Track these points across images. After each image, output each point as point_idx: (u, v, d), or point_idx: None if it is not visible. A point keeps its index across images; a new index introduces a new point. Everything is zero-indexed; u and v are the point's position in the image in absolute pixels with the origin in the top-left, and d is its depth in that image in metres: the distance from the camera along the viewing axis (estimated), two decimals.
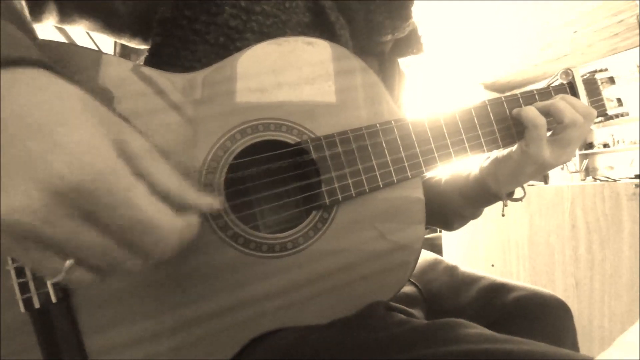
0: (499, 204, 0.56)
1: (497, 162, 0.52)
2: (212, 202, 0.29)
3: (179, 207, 0.27)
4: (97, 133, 0.23)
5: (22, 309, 0.32)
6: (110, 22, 0.45)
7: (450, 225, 0.63)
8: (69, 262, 0.23)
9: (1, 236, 0.22)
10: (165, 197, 0.26)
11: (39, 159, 0.21)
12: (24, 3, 0.38)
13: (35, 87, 0.23)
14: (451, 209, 0.60)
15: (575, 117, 0.47)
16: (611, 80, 0.57)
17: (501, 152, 0.52)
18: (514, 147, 0.50)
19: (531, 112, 0.47)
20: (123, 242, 0.24)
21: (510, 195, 0.55)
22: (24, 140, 0.21)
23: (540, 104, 0.50)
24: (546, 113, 0.48)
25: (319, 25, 0.48)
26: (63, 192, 0.21)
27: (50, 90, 0.23)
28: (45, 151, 0.21)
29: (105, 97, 0.35)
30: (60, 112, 0.23)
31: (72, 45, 0.36)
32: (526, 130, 0.48)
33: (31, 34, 0.32)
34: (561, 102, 0.48)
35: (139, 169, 0.25)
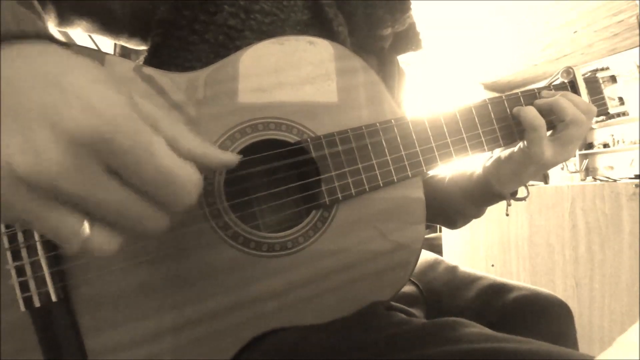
0: (502, 203, 0.56)
1: (499, 162, 0.53)
2: (231, 157, 0.29)
3: (200, 163, 0.27)
4: (113, 88, 0.23)
5: (23, 308, 0.32)
6: (107, 23, 0.45)
7: (453, 224, 0.64)
8: (88, 225, 0.22)
9: (14, 193, 0.20)
10: (185, 154, 0.26)
11: (55, 109, 0.20)
12: None
13: (51, 53, 0.23)
14: (454, 208, 0.60)
15: (577, 115, 0.47)
16: (613, 79, 0.57)
17: (503, 152, 0.52)
18: (515, 148, 0.50)
19: (530, 113, 0.47)
20: (144, 195, 0.23)
21: (513, 195, 0.55)
22: (39, 93, 0.20)
23: (542, 101, 0.50)
24: (548, 110, 0.48)
25: (317, 23, 0.48)
26: (81, 141, 0.20)
27: (65, 54, 0.23)
28: (61, 102, 0.20)
29: None
30: (73, 68, 0.22)
31: (72, 44, 0.36)
32: (525, 131, 0.48)
33: (42, 19, 0.32)
34: (563, 100, 0.48)
35: (159, 131, 0.25)
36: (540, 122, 0.47)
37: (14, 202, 0.20)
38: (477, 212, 0.60)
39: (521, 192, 0.55)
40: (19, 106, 0.20)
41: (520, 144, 0.50)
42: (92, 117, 0.21)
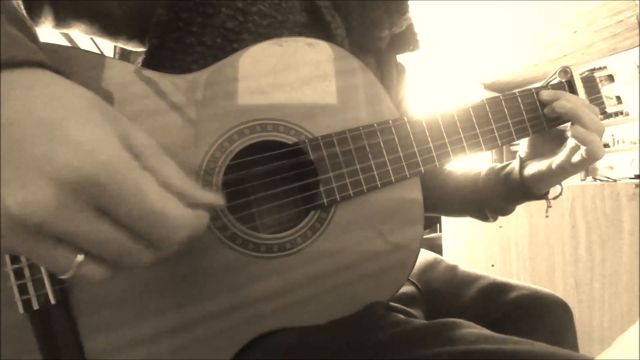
0: None
1: (544, 174, 0.53)
2: (216, 198, 0.30)
3: (186, 201, 0.27)
4: (104, 127, 0.24)
5: (21, 310, 0.32)
6: (106, 26, 0.45)
7: (488, 219, 0.65)
8: (80, 257, 0.24)
9: (13, 232, 0.22)
10: (172, 192, 0.26)
11: (49, 153, 0.22)
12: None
13: (41, 86, 0.24)
14: (491, 207, 0.62)
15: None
16: (610, 78, 0.57)
17: (548, 163, 0.53)
18: (564, 160, 0.51)
19: (582, 132, 0.48)
20: (134, 234, 0.24)
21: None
22: (34, 136, 0.22)
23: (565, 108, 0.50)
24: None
25: (315, 25, 0.48)
26: (74, 184, 0.22)
27: (55, 89, 0.24)
28: (56, 145, 0.22)
29: (106, 99, 0.35)
30: (67, 108, 0.23)
31: (74, 48, 0.36)
32: (586, 151, 0.48)
33: (33, 36, 0.32)
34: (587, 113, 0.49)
35: (146, 165, 0.25)
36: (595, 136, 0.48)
37: (11, 239, 0.22)
38: (511, 210, 0.61)
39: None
40: (16, 153, 0.22)
41: (567, 155, 0.51)
42: (87, 163, 0.22)
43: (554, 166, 0.52)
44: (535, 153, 0.56)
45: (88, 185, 0.22)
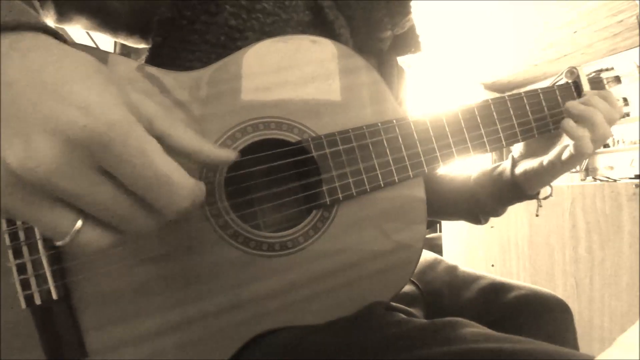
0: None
1: (535, 172, 0.54)
2: (228, 154, 0.30)
3: (195, 159, 0.28)
4: (111, 90, 0.23)
5: (24, 306, 0.32)
6: (107, 21, 0.45)
7: (480, 221, 0.65)
8: (80, 222, 0.23)
9: (13, 190, 0.21)
10: (184, 154, 0.26)
11: (52, 110, 0.21)
12: None
13: (43, 48, 0.23)
14: (483, 209, 0.62)
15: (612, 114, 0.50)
16: (617, 79, 0.57)
17: (539, 161, 0.54)
18: (554, 157, 0.52)
19: (573, 127, 0.49)
20: (137, 197, 0.24)
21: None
22: (38, 95, 0.21)
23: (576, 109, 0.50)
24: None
25: (319, 24, 0.48)
26: (77, 142, 0.21)
27: (59, 52, 0.23)
28: (61, 105, 0.21)
29: None
30: (71, 70, 0.22)
31: (76, 44, 0.36)
32: (573, 145, 0.49)
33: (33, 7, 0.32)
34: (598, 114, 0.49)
35: (154, 129, 0.25)
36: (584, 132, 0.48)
37: (10, 198, 0.22)
38: (504, 210, 0.62)
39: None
40: (18, 112, 0.21)
41: (558, 153, 0.51)
42: (91, 119, 0.21)
43: (545, 163, 0.52)
44: (528, 153, 0.57)
45: (94, 144, 0.21)
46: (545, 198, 0.58)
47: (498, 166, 0.60)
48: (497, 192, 0.58)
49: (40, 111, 0.21)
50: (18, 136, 0.21)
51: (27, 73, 0.21)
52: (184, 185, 0.25)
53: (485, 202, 0.60)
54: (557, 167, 0.52)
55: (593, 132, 0.48)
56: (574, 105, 0.50)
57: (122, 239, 0.25)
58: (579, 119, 0.49)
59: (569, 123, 0.49)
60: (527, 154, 0.57)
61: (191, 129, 0.28)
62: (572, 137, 0.49)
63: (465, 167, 0.64)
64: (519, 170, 0.56)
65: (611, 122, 0.50)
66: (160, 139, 0.26)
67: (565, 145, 0.51)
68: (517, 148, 0.58)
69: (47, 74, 0.22)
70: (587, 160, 4.69)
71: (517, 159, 0.58)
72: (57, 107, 0.21)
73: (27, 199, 0.22)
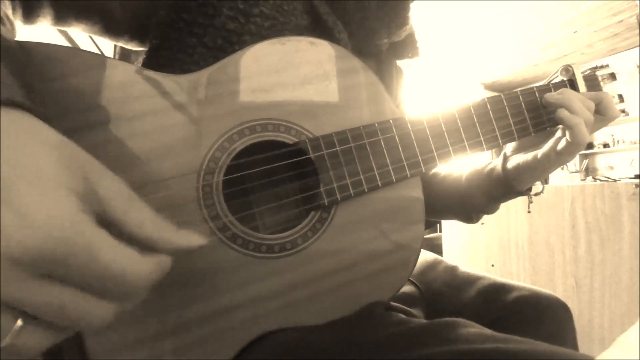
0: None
1: (527, 165, 0.54)
2: (192, 237, 0.28)
3: (155, 247, 0.26)
4: (61, 187, 0.22)
5: None
6: (107, 26, 0.45)
7: (472, 219, 0.65)
8: (19, 323, 0.22)
9: None
10: (138, 242, 0.25)
11: None
12: (9, 12, 0.38)
13: (5, 132, 0.22)
14: (474, 206, 0.61)
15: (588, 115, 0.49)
16: (612, 76, 0.57)
17: (528, 155, 0.53)
18: (546, 149, 0.52)
19: (569, 116, 0.48)
20: (90, 293, 0.23)
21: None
22: None
23: (551, 96, 0.51)
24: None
25: (317, 28, 0.48)
26: (22, 261, 0.20)
27: (20, 137, 0.23)
28: (4, 216, 0.20)
29: (107, 101, 0.35)
30: (24, 165, 0.22)
31: (74, 49, 0.36)
32: (570, 134, 0.49)
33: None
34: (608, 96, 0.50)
35: (108, 215, 0.24)
36: (578, 119, 0.48)
37: None
38: (495, 208, 0.61)
39: (535, 187, 0.57)
40: None
41: (553, 144, 0.51)
42: (27, 235, 0.20)
43: (539, 156, 0.52)
44: (521, 148, 0.57)
45: (34, 256, 0.20)
46: (536, 194, 0.57)
47: (489, 163, 0.59)
48: (488, 189, 0.58)
49: None
50: None
51: None
52: (140, 273, 0.24)
53: (476, 199, 0.60)
54: (552, 160, 0.51)
55: (572, 111, 0.48)
56: (550, 95, 0.50)
57: (71, 333, 0.24)
58: (556, 107, 0.50)
59: (563, 112, 0.48)
60: (519, 150, 0.57)
61: (151, 210, 0.27)
62: (567, 124, 0.48)
63: (456, 165, 0.64)
64: (510, 164, 0.55)
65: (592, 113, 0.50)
66: (115, 225, 0.25)
67: (559, 137, 0.50)
68: (510, 146, 0.58)
69: (3, 170, 0.21)
70: (587, 160, 4.69)
71: (508, 155, 0.57)
72: (1, 221, 0.20)
73: None
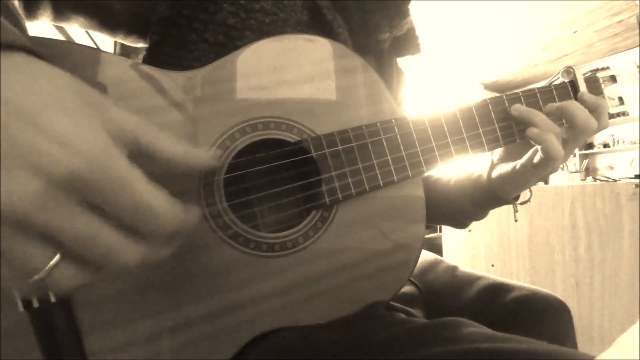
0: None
1: (508, 174, 0.53)
2: (214, 155, 0.30)
3: (183, 168, 0.28)
4: (88, 116, 0.23)
5: (21, 309, 0.32)
6: (105, 20, 0.45)
7: (461, 225, 0.64)
8: (56, 258, 0.22)
9: None
10: (172, 163, 0.27)
11: (34, 146, 0.21)
12: (16, 3, 0.38)
13: (23, 71, 0.23)
14: (462, 212, 0.61)
15: (589, 122, 0.48)
16: (612, 78, 0.57)
17: (509, 165, 0.53)
18: (524, 160, 0.51)
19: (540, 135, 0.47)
20: (124, 228, 0.24)
21: (516, 199, 0.56)
22: (15, 125, 0.21)
23: (551, 106, 0.50)
24: (557, 117, 0.49)
25: (317, 24, 0.48)
26: (59, 180, 0.21)
27: (37, 75, 0.23)
28: (39, 138, 0.21)
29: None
30: (49, 95, 0.22)
31: (70, 43, 0.36)
32: (541, 149, 0.47)
33: (18, 23, 0.31)
34: (573, 104, 0.48)
35: (136, 144, 0.25)
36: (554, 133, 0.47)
37: None
38: (484, 215, 0.61)
39: (523, 194, 0.56)
40: None
41: (530, 156, 0.50)
42: (71, 158, 0.21)
43: (517, 167, 0.51)
44: (508, 156, 0.56)
45: (75, 181, 0.22)
46: (522, 203, 0.56)
47: (477, 170, 0.58)
48: (474, 196, 0.57)
49: (20, 145, 0.21)
50: None
51: (6, 101, 0.21)
52: (167, 210, 0.25)
53: (464, 206, 0.59)
54: (530, 171, 0.50)
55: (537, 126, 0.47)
56: (516, 108, 0.49)
57: (99, 276, 0.25)
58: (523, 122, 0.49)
59: (532, 130, 0.47)
60: (506, 158, 0.56)
61: (176, 135, 0.28)
62: (537, 142, 0.47)
63: (447, 169, 0.64)
64: (494, 174, 0.55)
65: (577, 130, 0.49)
66: (146, 152, 0.26)
67: (536, 149, 0.49)
68: (497, 151, 0.57)
69: (23, 100, 0.22)
70: (587, 160, 4.69)
71: (495, 163, 0.56)
72: (36, 143, 0.21)
73: (4, 234, 0.21)
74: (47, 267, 0.22)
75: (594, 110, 0.51)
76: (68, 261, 0.23)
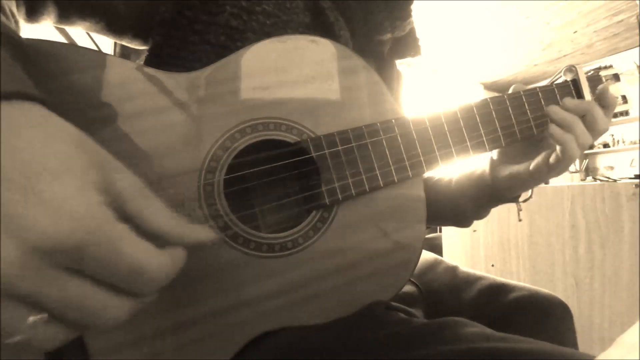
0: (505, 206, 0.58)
1: (521, 175, 0.53)
2: (207, 232, 0.29)
3: (175, 243, 0.26)
4: (81, 178, 0.22)
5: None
6: (111, 24, 0.45)
7: (464, 224, 0.64)
8: (32, 318, 0.21)
9: None
10: (154, 237, 0.25)
11: (20, 212, 0.20)
12: (14, 9, 0.38)
13: (26, 124, 0.22)
14: (465, 213, 0.61)
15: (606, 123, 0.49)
16: (616, 77, 0.57)
17: (525, 165, 0.52)
18: (541, 160, 0.51)
19: (560, 133, 0.47)
20: (109, 287, 0.23)
21: (517, 198, 0.56)
22: (8, 185, 0.20)
23: (571, 104, 0.50)
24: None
25: (319, 26, 0.48)
26: (43, 249, 0.20)
27: (40, 129, 0.23)
28: (27, 203, 0.20)
29: (107, 98, 0.35)
30: (47, 155, 0.22)
31: (73, 46, 0.36)
32: (562, 150, 0.47)
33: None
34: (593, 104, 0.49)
35: (127, 210, 0.25)
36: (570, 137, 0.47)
37: None
38: (486, 213, 0.61)
39: (524, 193, 0.56)
40: None
41: (544, 156, 0.50)
42: (59, 228, 0.21)
43: (531, 168, 0.51)
44: (507, 155, 0.56)
45: (58, 250, 0.21)
46: (524, 201, 0.57)
47: (477, 169, 0.59)
48: (476, 195, 0.57)
49: (10, 209, 0.20)
50: None
51: (8, 155, 0.21)
52: (160, 267, 0.24)
53: (465, 206, 0.59)
54: (544, 172, 0.50)
55: (577, 138, 0.48)
56: (556, 111, 0.49)
57: (80, 333, 0.24)
58: (561, 125, 0.48)
59: (554, 128, 0.48)
60: (505, 157, 0.56)
61: (165, 206, 0.27)
62: (558, 142, 0.47)
63: (447, 170, 0.64)
64: (501, 174, 0.54)
65: (594, 133, 0.49)
66: (133, 220, 0.25)
67: (551, 150, 0.49)
68: (496, 150, 0.57)
69: (22, 160, 0.21)
70: (587, 160, 4.69)
71: (496, 162, 0.56)
72: (24, 207, 0.20)
73: None
74: (23, 329, 0.21)
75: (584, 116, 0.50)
76: (48, 323, 0.22)
